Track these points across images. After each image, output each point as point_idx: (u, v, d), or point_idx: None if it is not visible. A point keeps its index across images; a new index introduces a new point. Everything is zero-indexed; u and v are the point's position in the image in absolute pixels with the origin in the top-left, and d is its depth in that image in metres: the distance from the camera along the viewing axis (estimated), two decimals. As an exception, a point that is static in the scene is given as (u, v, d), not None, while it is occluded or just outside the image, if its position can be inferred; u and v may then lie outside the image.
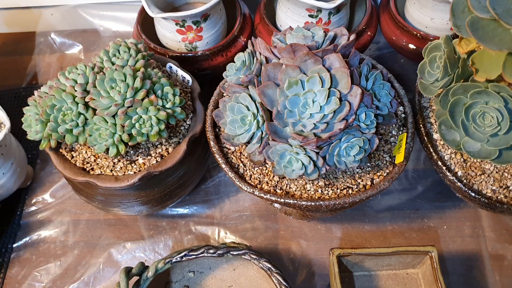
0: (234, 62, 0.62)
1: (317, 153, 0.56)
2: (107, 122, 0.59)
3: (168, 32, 0.80)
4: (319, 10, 0.75)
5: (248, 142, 0.60)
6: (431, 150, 0.61)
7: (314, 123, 0.55)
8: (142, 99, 0.59)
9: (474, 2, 0.47)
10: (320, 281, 0.69)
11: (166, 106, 0.60)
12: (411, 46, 0.79)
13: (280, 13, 0.81)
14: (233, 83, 0.60)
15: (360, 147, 0.56)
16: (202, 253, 0.62)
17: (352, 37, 0.59)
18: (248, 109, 0.58)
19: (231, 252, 0.62)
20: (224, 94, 0.67)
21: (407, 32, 0.79)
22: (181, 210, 0.76)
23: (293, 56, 0.57)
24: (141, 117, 0.59)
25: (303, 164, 0.56)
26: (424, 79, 0.57)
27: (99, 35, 0.99)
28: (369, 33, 0.82)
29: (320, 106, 0.54)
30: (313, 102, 0.55)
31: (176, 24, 0.77)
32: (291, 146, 0.56)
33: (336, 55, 0.56)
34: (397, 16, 0.79)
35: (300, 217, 0.72)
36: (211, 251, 0.62)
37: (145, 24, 0.85)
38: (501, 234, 0.70)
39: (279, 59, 0.59)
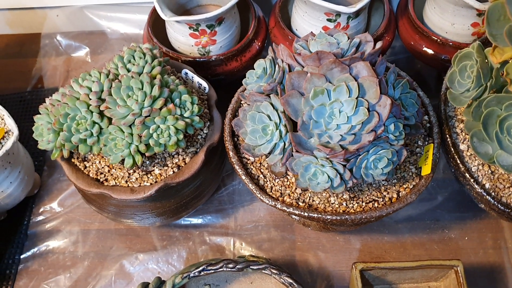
0: (254, 69, 0.60)
1: (344, 166, 0.54)
2: (124, 132, 0.56)
3: (181, 36, 0.77)
4: (338, 14, 0.73)
5: (270, 153, 0.58)
6: (458, 162, 0.59)
7: (341, 135, 0.53)
8: (160, 108, 0.57)
9: (513, 11, 0.45)
10: (339, 294, 0.67)
11: (185, 115, 0.58)
12: (430, 51, 0.77)
13: (297, 16, 0.79)
14: (254, 91, 0.58)
15: (388, 159, 0.54)
16: (221, 267, 0.60)
17: (379, 44, 0.57)
18: (270, 119, 0.56)
19: (251, 267, 0.60)
20: (243, 103, 0.65)
21: (426, 37, 0.77)
22: (194, 220, 0.74)
23: (319, 64, 0.55)
24: (159, 126, 0.57)
25: (329, 177, 0.54)
26: (454, 88, 0.55)
27: (106, 37, 0.96)
28: (387, 38, 0.80)
29: (348, 117, 0.52)
30: (339, 113, 0.53)
31: (190, 27, 0.75)
32: (316, 158, 0.54)
33: (364, 63, 0.53)
34: (417, 20, 0.77)
35: (320, 229, 0.70)
36: (230, 265, 0.60)
37: (155, 26, 0.82)
38: (524, 246, 0.69)
39: (303, 67, 0.57)
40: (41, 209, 0.77)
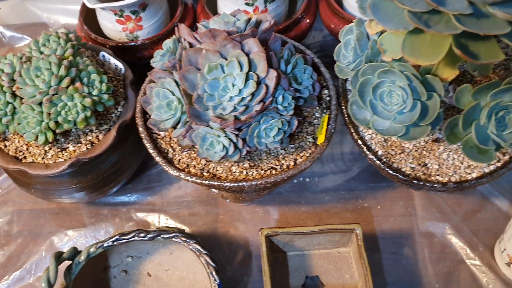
0: (163, 49, 0.63)
1: (237, 135, 0.57)
2: (34, 110, 0.60)
3: (108, 22, 0.80)
4: (255, -3, 0.76)
5: (175, 127, 0.61)
6: (352, 131, 0.62)
7: (234, 106, 0.56)
8: (67, 87, 0.60)
9: (374, -16, 0.49)
10: (256, 261, 0.70)
11: (93, 93, 0.61)
12: (348, 32, 0.81)
13: (219, 1, 0.82)
14: (158, 69, 0.62)
15: (279, 128, 0.58)
16: (133, 237, 0.63)
17: (269, 22, 0.60)
18: (173, 94, 0.60)
19: (161, 236, 0.64)
20: (151, 80, 0.68)
21: (343, 19, 0.80)
22: (123, 198, 0.78)
23: (214, 41, 0.58)
24: (66, 104, 0.60)
25: (224, 146, 0.57)
26: (339, 61, 0.58)
27: (48, 28, 0.99)
28: (307, 20, 0.84)
29: (239, 89, 0.56)
30: (232, 86, 0.56)
31: (115, 14, 0.78)
32: (212, 129, 0.57)
33: (253, 39, 0.57)
34: (334, 3, 0.81)
35: (236, 201, 0.73)
36: (142, 234, 0.63)
37: (90, 15, 0.85)
38: (431, 213, 0.73)
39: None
40: (-23, 192, 0.80)
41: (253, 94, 0.56)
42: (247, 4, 0.78)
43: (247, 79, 0.56)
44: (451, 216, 0.72)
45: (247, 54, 0.57)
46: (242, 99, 0.56)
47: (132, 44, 0.80)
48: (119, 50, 0.80)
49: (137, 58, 0.81)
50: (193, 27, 0.86)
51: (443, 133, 0.53)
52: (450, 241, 0.70)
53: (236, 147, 0.57)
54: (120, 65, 0.69)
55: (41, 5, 0.98)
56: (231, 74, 0.56)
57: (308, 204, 0.75)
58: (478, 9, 0.45)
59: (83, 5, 0.85)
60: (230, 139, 0.57)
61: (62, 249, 0.74)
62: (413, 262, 0.69)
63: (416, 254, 0.70)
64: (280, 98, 0.57)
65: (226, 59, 0.57)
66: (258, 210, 0.75)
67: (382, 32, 0.55)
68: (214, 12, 0.84)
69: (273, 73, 0.56)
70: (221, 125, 0.56)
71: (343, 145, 0.80)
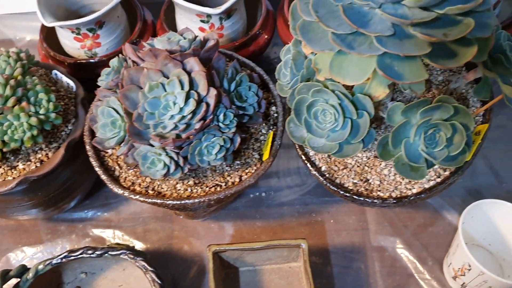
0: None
1: (178, 153, 0.58)
2: (-20, 130, 0.60)
3: (67, 40, 0.82)
4: (209, 15, 0.77)
5: (120, 145, 0.62)
6: (297, 146, 0.63)
7: (175, 124, 0.57)
8: (13, 106, 0.61)
9: (302, 6, 0.50)
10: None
11: (40, 112, 0.62)
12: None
13: (177, 18, 0.83)
14: (103, 87, 0.63)
15: (221, 145, 0.58)
16: (81, 254, 0.64)
17: (214, 41, 0.61)
18: (118, 113, 0.61)
19: (109, 253, 0.64)
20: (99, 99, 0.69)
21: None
22: (80, 214, 0.78)
23: (156, 60, 0.59)
24: (12, 123, 0.61)
25: (165, 164, 0.58)
26: (280, 80, 0.59)
27: (14, 44, 1.00)
28: (265, 36, 0.85)
29: (180, 108, 0.57)
30: (174, 104, 0.57)
31: (72, 32, 0.79)
32: (154, 147, 0.58)
33: (194, 59, 0.58)
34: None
35: (189, 217, 0.74)
36: (90, 251, 0.64)
37: (52, 33, 0.86)
38: (383, 227, 0.73)
39: (147, 63, 0.61)
40: None
41: (194, 112, 0.57)
42: (202, 21, 0.79)
43: (187, 97, 0.57)
44: (403, 230, 0.72)
45: (189, 73, 0.58)
46: (183, 117, 0.57)
47: (90, 61, 0.81)
48: (78, 67, 0.81)
49: (96, 75, 0.80)
50: (153, 44, 0.87)
51: (376, 151, 0.54)
52: (400, 255, 0.70)
53: (177, 165, 0.58)
54: (71, 83, 0.70)
55: (8, 22, 1.00)
56: (172, 93, 0.57)
57: (263, 219, 0.76)
58: (401, 29, 0.46)
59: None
60: (171, 157, 0.58)
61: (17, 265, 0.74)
62: (364, 276, 0.69)
63: (367, 268, 0.70)
64: (221, 116, 0.58)
65: (168, 77, 0.58)
66: (213, 225, 0.75)
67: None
68: (173, 28, 0.85)
69: (213, 92, 0.57)
70: (161, 143, 0.57)
71: (300, 160, 0.81)
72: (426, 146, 0.51)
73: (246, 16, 0.85)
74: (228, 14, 0.78)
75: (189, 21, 0.80)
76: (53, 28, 0.85)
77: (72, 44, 0.81)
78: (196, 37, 0.63)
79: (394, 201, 0.59)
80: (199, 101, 0.57)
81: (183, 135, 0.57)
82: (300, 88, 0.55)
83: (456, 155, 0.52)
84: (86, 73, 0.81)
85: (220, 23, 0.79)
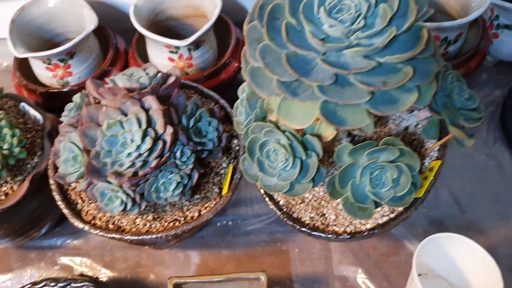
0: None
1: (134, 190, 0.59)
2: None
3: (39, 70, 0.83)
4: (177, 47, 0.79)
5: (78, 180, 0.63)
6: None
7: (132, 161, 0.58)
8: (-24, 142, 0.62)
9: (251, 52, 0.51)
10: (174, 307, 0.72)
11: (4, 147, 0.63)
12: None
13: (148, 48, 0.85)
14: (65, 123, 0.64)
15: (178, 182, 0.60)
16: (43, 286, 0.65)
17: (173, 79, 0.63)
18: (79, 148, 0.62)
19: (72, 285, 0.65)
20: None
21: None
22: (50, 242, 0.79)
23: (115, 98, 0.60)
24: (-25, 159, 0.62)
25: (122, 201, 0.59)
26: (236, 117, 0.61)
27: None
28: (235, 64, 0.86)
29: (137, 145, 0.58)
30: (131, 142, 0.58)
31: (44, 62, 0.81)
32: (111, 184, 0.59)
33: (152, 97, 0.59)
34: (259, 49, 0.83)
35: (155, 248, 0.75)
36: (52, 284, 0.65)
37: (26, 61, 0.88)
38: (346, 256, 0.74)
39: (108, 100, 0.63)
40: None
41: (151, 150, 0.58)
42: (171, 52, 0.80)
43: (145, 135, 0.58)
44: (365, 259, 0.73)
45: (147, 111, 0.59)
46: (140, 154, 0.58)
47: (62, 90, 0.82)
48: (50, 96, 0.83)
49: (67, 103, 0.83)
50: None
51: (326, 189, 0.55)
52: (361, 285, 0.71)
53: (134, 201, 0.59)
54: (38, 115, 0.71)
55: (-15, 48, 1.01)
56: (130, 130, 0.58)
57: (229, 248, 0.77)
58: (343, 77, 0.47)
59: (19, 51, 0.87)
60: (128, 194, 0.59)
61: (-14, 294, 0.75)
62: (326, 307, 0.70)
63: (330, 298, 0.71)
64: (178, 153, 0.59)
65: (126, 115, 0.59)
66: (180, 255, 0.76)
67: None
68: (145, 57, 0.86)
69: (169, 129, 0.58)
70: (118, 181, 0.58)
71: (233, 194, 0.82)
72: (373, 186, 0.53)
73: (216, 45, 0.87)
74: (196, 45, 0.80)
75: (159, 52, 0.81)
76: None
77: (44, 73, 0.83)
78: (158, 73, 0.65)
79: (348, 236, 0.60)
80: (156, 139, 0.58)
81: (140, 172, 0.58)
82: (253, 127, 0.56)
83: (403, 195, 0.53)
84: (58, 102, 0.82)
85: (189, 54, 0.81)
